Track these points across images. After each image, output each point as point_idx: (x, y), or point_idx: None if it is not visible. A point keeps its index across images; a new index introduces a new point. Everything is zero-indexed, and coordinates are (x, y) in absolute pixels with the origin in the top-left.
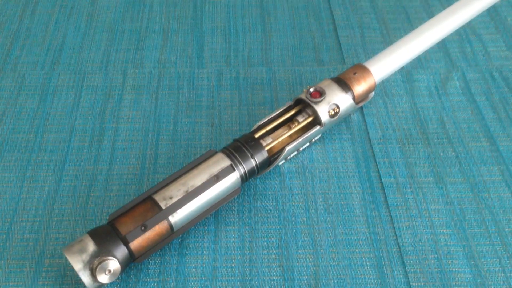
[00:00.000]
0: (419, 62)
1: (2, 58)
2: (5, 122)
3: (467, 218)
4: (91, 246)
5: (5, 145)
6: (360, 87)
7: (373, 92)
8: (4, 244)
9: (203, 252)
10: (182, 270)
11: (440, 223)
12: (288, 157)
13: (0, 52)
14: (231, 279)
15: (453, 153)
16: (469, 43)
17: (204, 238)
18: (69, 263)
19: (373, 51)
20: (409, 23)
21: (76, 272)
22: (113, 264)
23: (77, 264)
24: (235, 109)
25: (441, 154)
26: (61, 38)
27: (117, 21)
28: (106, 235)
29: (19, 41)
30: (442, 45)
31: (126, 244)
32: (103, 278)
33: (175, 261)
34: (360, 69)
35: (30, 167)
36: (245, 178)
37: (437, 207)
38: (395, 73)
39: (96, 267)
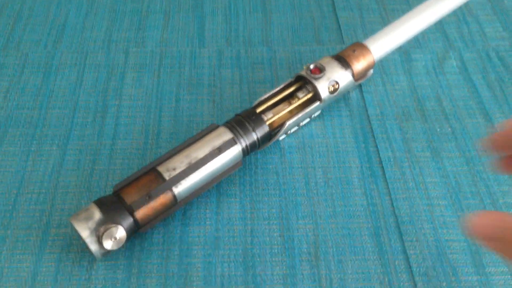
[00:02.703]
0: (417, 42)
1: (5, 36)
2: (9, 98)
3: (462, 190)
4: (97, 215)
5: (10, 121)
6: (359, 64)
7: (371, 70)
8: (10, 215)
9: (205, 223)
10: (186, 239)
11: (436, 195)
12: (289, 132)
13: (3, 31)
14: (233, 248)
15: (449, 129)
16: (466, 24)
17: (206, 209)
18: (75, 232)
19: (372, 31)
20: (407, 4)
21: (82, 240)
22: (119, 232)
23: (84, 231)
24: (236, 87)
25: (438, 130)
26: (63, 18)
27: (118, 2)
28: (112, 204)
29: (22, 20)
30: (440, 26)
31: (131, 213)
32: (109, 245)
33: (178, 230)
34: (359, 47)
35: (34, 142)
36: (247, 151)
37: (433, 180)
38: (393, 53)
39: (102, 234)
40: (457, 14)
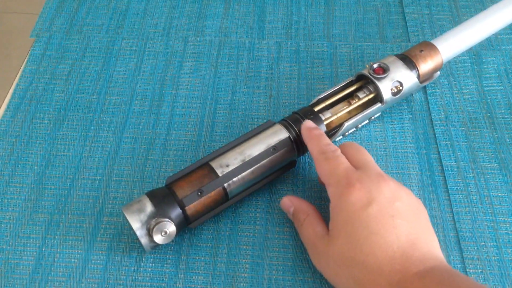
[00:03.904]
0: (489, 43)
1: (69, 20)
2: (70, 82)
3: None
4: (149, 207)
5: (70, 105)
6: (426, 66)
7: (438, 72)
8: (66, 200)
9: (255, 222)
10: (235, 238)
11: (502, 211)
12: (346, 133)
13: (67, 14)
14: (282, 251)
15: None
16: None
17: (257, 208)
18: (127, 222)
19: (441, 29)
20: (480, 2)
21: (133, 231)
22: (169, 226)
23: (135, 223)
24: (294, 83)
25: (507, 140)
26: (125, 3)
27: None
28: (164, 198)
29: (86, 4)
30: None
31: (182, 207)
32: (159, 239)
33: (228, 228)
34: (427, 46)
35: (92, 127)
36: (302, 151)
37: (499, 194)
38: (462, 54)
39: (153, 227)
40: None
